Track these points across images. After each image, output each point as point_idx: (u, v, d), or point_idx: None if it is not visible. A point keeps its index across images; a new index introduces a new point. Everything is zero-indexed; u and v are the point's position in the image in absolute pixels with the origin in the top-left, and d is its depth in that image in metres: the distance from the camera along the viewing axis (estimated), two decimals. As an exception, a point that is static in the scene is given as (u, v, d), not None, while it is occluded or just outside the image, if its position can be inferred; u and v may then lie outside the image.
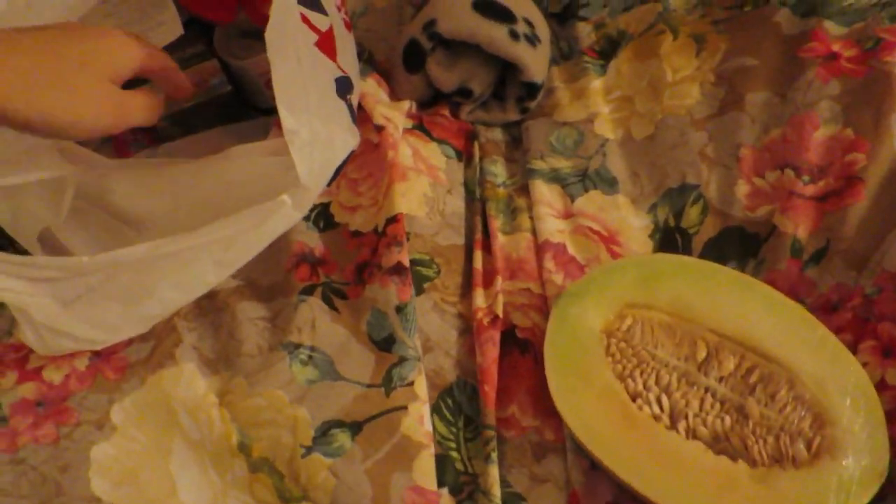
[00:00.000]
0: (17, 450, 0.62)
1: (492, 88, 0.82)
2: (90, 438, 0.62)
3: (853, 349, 0.62)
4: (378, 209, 0.73)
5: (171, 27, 0.78)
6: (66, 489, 0.60)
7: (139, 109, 0.60)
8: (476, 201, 0.77)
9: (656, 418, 0.61)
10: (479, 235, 0.74)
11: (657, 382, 0.63)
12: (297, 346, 0.66)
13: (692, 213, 0.73)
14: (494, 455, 0.62)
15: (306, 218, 0.74)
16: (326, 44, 0.65)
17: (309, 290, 0.70)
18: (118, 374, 0.65)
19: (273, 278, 0.72)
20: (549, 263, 0.72)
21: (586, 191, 0.77)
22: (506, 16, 0.78)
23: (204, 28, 0.84)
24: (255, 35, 0.82)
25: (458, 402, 0.66)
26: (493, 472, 0.61)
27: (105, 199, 0.70)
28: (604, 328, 0.66)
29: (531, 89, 0.81)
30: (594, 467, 0.62)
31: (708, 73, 0.79)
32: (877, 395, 0.59)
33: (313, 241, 0.73)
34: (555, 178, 0.78)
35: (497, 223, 0.75)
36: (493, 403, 0.64)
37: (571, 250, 0.73)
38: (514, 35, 0.78)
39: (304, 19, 0.62)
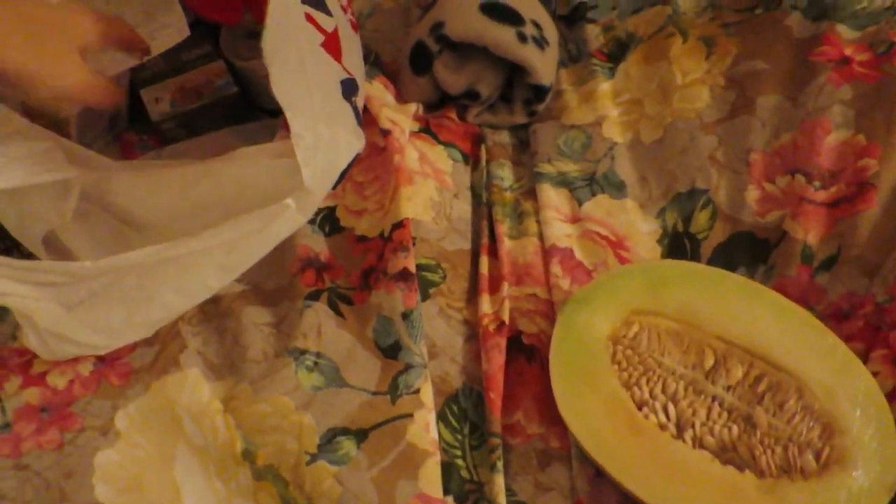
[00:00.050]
0: (21, 455, 0.61)
1: (499, 91, 0.82)
2: (94, 444, 0.62)
3: (864, 358, 0.61)
4: (384, 214, 0.73)
5: (177, 28, 0.77)
6: (69, 495, 0.60)
7: (100, 90, 0.62)
8: (482, 205, 0.77)
9: (662, 427, 0.61)
10: (485, 240, 0.74)
11: (664, 391, 0.62)
12: (303, 352, 0.66)
13: (701, 218, 0.73)
14: (500, 463, 0.62)
15: (312, 222, 0.74)
16: (332, 45, 0.64)
17: (315, 296, 0.70)
18: (122, 380, 0.65)
19: (278, 282, 0.72)
20: (555, 268, 0.71)
21: (594, 195, 0.76)
22: (514, 18, 0.78)
23: (210, 29, 0.84)
24: (261, 36, 0.81)
25: (464, 409, 0.65)
26: (499, 480, 0.61)
27: (109, 201, 0.70)
28: (610, 335, 0.65)
29: (539, 92, 0.80)
30: (599, 476, 0.61)
31: (718, 76, 0.78)
32: (888, 405, 0.58)
33: (319, 246, 0.73)
34: (562, 181, 0.77)
35: (503, 228, 0.75)
36: (499, 411, 0.64)
37: (579, 255, 0.73)
38: (522, 37, 0.77)
39: (310, 19, 0.61)
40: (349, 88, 0.66)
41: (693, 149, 0.75)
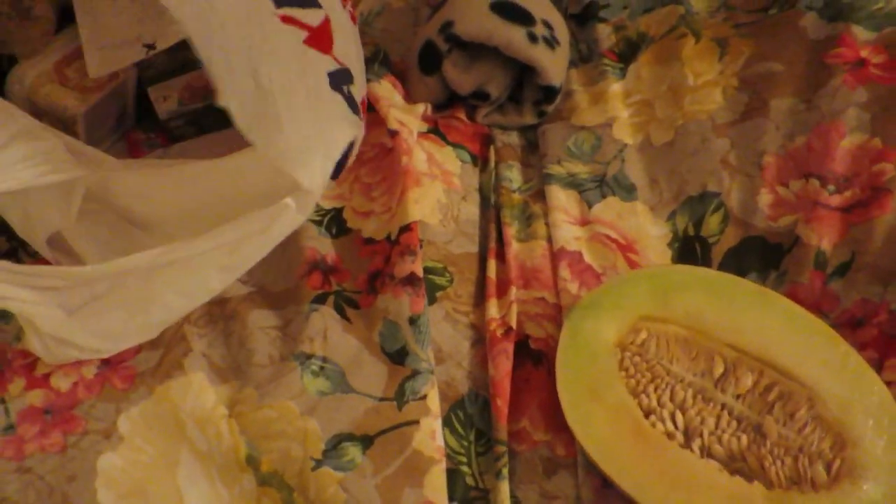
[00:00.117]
0: (24, 458, 0.61)
1: (509, 91, 0.81)
2: (97, 448, 0.61)
3: (878, 368, 0.60)
4: (391, 216, 0.72)
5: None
6: (72, 500, 0.59)
7: None
8: (491, 208, 0.76)
9: (670, 436, 0.60)
10: (493, 244, 0.73)
11: (672, 398, 0.61)
12: (309, 356, 0.65)
13: (712, 222, 0.72)
14: (505, 471, 0.61)
15: (318, 223, 0.73)
16: (319, 38, 0.64)
17: (321, 299, 0.69)
18: (126, 384, 0.65)
19: (285, 285, 0.71)
20: (564, 272, 0.71)
21: (604, 197, 0.75)
22: (524, 18, 0.77)
23: (217, 28, 0.83)
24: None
25: (470, 415, 0.65)
26: (504, 488, 0.60)
27: (114, 200, 0.69)
28: (617, 341, 0.64)
29: (549, 93, 0.79)
30: (606, 485, 0.60)
31: (731, 77, 0.77)
32: (901, 416, 0.57)
33: (325, 248, 0.72)
34: (571, 183, 0.76)
35: (512, 230, 0.74)
36: (506, 418, 0.63)
37: (588, 258, 0.72)
38: (533, 37, 0.76)
39: (289, 20, 0.60)
40: (340, 78, 0.65)
41: (705, 151, 0.74)
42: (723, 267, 0.70)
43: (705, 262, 0.71)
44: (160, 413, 0.63)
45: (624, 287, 0.66)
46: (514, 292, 0.69)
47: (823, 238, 0.67)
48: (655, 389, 0.62)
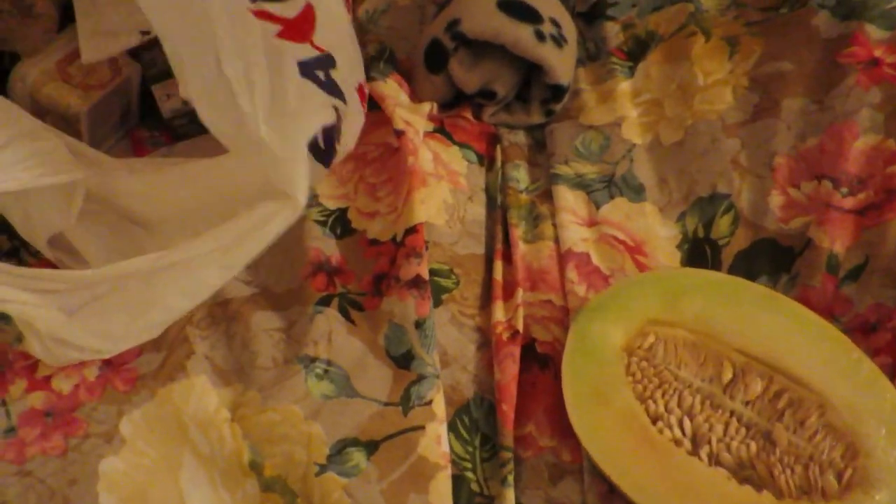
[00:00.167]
0: (24, 461, 0.61)
1: (516, 90, 0.80)
2: (99, 452, 0.61)
3: (891, 374, 0.59)
4: (397, 217, 0.71)
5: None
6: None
7: None
8: (497, 208, 0.75)
9: (677, 443, 0.59)
10: (499, 245, 0.72)
11: (679, 404, 0.61)
12: (313, 359, 0.65)
13: (722, 224, 0.71)
14: (511, 478, 0.60)
15: (323, 224, 0.73)
16: (295, 28, 0.63)
17: (326, 301, 0.68)
18: (128, 386, 0.64)
19: (288, 286, 0.70)
20: (571, 274, 0.70)
21: (612, 198, 0.74)
22: (532, 16, 0.76)
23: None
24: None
25: (475, 420, 0.64)
26: (510, 495, 0.59)
27: (115, 201, 0.69)
28: (624, 346, 0.63)
29: (556, 91, 0.78)
30: (612, 492, 0.60)
31: (741, 77, 0.76)
32: (915, 425, 0.56)
33: (330, 249, 0.72)
34: (579, 183, 0.75)
35: (518, 231, 0.73)
36: (512, 423, 0.62)
37: (595, 260, 0.71)
38: (540, 36, 0.75)
39: (262, 14, 0.60)
40: (315, 65, 0.64)
41: (715, 152, 0.73)
42: (733, 269, 0.69)
43: (715, 264, 0.70)
44: (162, 416, 0.62)
45: (631, 290, 0.66)
46: (520, 295, 0.68)
47: (836, 241, 0.66)
48: (663, 395, 0.61)
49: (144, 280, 0.58)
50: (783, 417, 0.59)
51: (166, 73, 0.82)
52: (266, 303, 0.69)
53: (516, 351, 0.65)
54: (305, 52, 0.64)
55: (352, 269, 0.71)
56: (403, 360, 0.65)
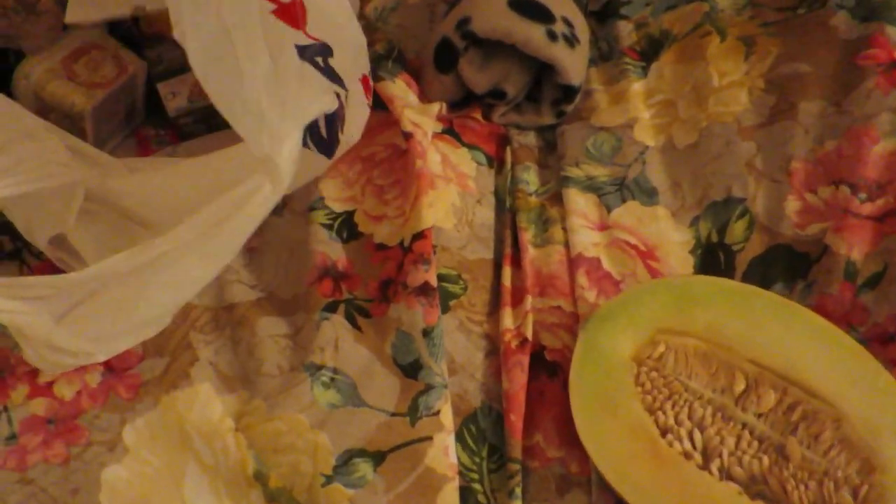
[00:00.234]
0: (26, 469, 0.60)
1: (526, 90, 0.79)
2: (101, 460, 0.60)
3: (909, 387, 0.58)
4: (405, 221, 0.70)
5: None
6: (75, 513, 0.58)
7: None
8: (506, 211, 0.74)
9: (687, 456, 0.58)
10: (508, 250, 0.71)
11: (690, 416, 0.60)
12: (320, 367, 0.64)
13: (737, 229, 0.70)
14: (519, 490, 0.59)
15: (329, 227, 0.72)
16: (288, 13, 0.62)
17: (332, 307, 0.67)
18: (131, 393, 0.63)
19: (294, 290, 0.70)
20: (581, 279, 0.69)
21: (624, 201, 0.73)
22: (544, 15, 0.75)
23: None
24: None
25: (483, 430, 0.63)
26: (517, 507, 0.59)
27: (115, 201, 0.68)
28: (634, 355, 0.62)
29: (568, 92, 0.77)
30: (621, 506, 0.59)
31: (757, 78, 0.74)
32: (934, 440, 0.55)
33: (336, 253, 0.71)
34: (590, 186, 0.74)
35: (528, 235, 0.72)
36: (520, 434, 0.61)
37: (606, 265, 0.70)
38: (552, 35, 0.74)
39: None
40: (312, 51, 0.64)
41: (729, 155, 0.72)
42: (747, 276, 0.68)
43: (729, 270, 0.68)
44: (166, 424, 0.62)
45: (642, 298, 0.64)
46: (529, 301, 0.67)
47: (854, 248, 0.65)
48: (673, 406, 0.60)
49: (126, 278, 0.57)
50: (797, 431, 0.58)
51: (172, 71, 0.81)
52: (272, 307, 0.69)
53: (525, 359, 0.64)
54: (300, 38, 0.63)
55: (358, 274, 0.70)
56: (411, 369, 0.64)
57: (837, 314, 0.63)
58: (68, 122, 0.75)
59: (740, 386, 0.60)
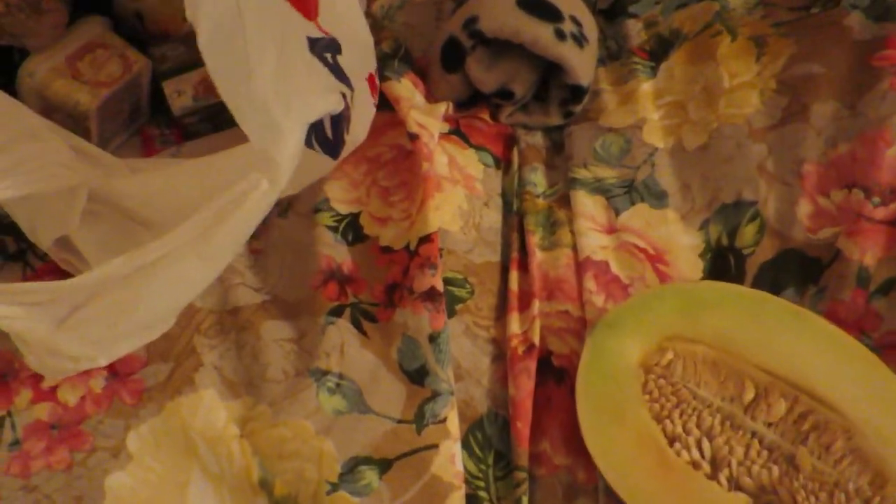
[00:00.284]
0: (30, 476, 0.60)
1: (534, 90, 0.78)
2: (105, 467, 0.60)
3: (923, 398, 0.57)
4: (411, 224, 0.70)
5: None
6: (79, 520, 0.58)
7: None
8: (513, 214, 0.73)
9: (695, 465, 0.57)
10: (515, 253, 0.70)
11: (698, 425, 0.59)
12: (325, 372, 0.63)
13: (747, 233, 0.69)
14: (525, 498, 0.59)
15: (334, 230, 0.71)
16: (303, 1, 0.62)
17: (337, 311, 0.67)
18: (135, 399, 0.63)
19: (299, 294, 0.69)
20: (589, 283, 0.68)
21: (632, 204, 0.72)
22: (552, 14, 0.74)
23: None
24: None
25: (489, 437, 0.62)
26: (524, 516, 0.58)
27: (118, 202, 0.68)
28: (641, 362, 0.62)
29: (576, 92, 0.76)
30: (628, 515, 0.58)
31: (769, 79, 0.73)
32: (947, 452, 0.54)
33: (341, 256, 0.70)
34: (598, 188, 0.73)
35: (535, 238, 0.71)
36: (527, 442, 0.61)
37: (615, 269, 0.69)
38: (561, 34, 0.73)
39: None
40: (322, 46, 0.63)
41: (740, 157, 0.71)
42: (758, 280, 0.67)
43: (739, 274, 0.68)
44: (170, 430, 0.61)
45: (650, 304, 0.64)
46: (536, 306, 0.66)
47: (867, 253, 0.64)
48: (681, 415, 0.59)
49: (124, 282, 0.57)
50: (808, 441, 0.57)
51: (177, 70, 0.81)
52: (277, 311, 0.68)
53: (532, 366, 0.63)
54: (312, 30, 0.62)
55: (364, 277, 0.70)
56: (417, 376, 0.63)
57: (849, 321, 0.62)
58: (72, 121, 0.75)
59: (750, 394, 0.59)
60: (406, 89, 0.76)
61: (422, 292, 0.65)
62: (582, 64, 0.74)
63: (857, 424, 0.56)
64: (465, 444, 0.62)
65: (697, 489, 0.56)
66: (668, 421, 0.59)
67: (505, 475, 0.61)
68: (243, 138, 0.79)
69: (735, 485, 0.56)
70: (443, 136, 0.75)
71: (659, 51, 0.80)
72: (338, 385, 0.63)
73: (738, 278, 0.67)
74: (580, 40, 0.74)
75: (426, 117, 0.73)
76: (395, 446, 0.61)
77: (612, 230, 0.71)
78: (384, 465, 0.60)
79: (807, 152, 0.69)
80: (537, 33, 0.73)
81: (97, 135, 0.77)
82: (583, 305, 0.67)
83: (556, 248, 0.71)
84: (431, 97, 0.79)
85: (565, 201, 0.73)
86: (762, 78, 0.74)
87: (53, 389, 0.63)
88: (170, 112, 0.80)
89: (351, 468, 0.60)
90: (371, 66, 0.71)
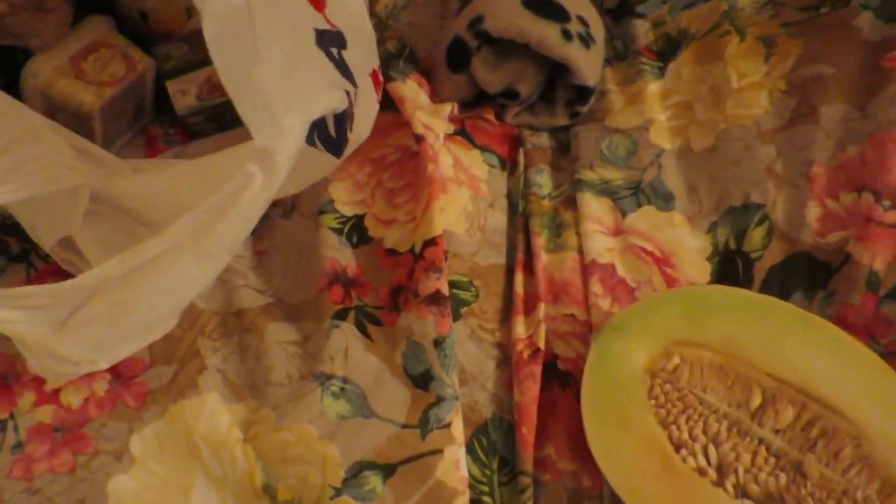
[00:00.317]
0: (32, 478, 0.60)
1: (540, 90, 0.77)
2: (107, 470, 0.60)
3: (932, 404, 0.57)
4: (416, 226, 0.69)
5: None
6: (82, 523, 0.58)
7: None
8: (519, 215, 0.72)
9: (701, 472, 0.57)
10: (520, 255, 0.70)
11: (704, 431, 0.58)
12: (329, 376, 0.63)
13: (756, 236, 0.68)
14: (530, 504, 0.58)
15: (339, 232, 0.71)
16: None
17: (342, 314, 0.66)
18: (138, 402, 0.63)
19: (304, 296, 0.69)
20: (595, 286, 0.67)
21: (639, 206, 0.72)
22: (558, 14, 0.73)
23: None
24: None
25: (493, 442, 0.62)
26: (528, 522, 0.58)
27: (120, 202, 0.67)
28: (647, 367, 0.61)
29: (582, 93, 0.75)
30: (635, 522, 0.58)
31: (778, 80, 0.72)
32: (957, 460, 0.54)
33: (346, 259, 0.70)
34: (605, 190, 0.72)
35: (541, 240, 0.70)
36: (531, 447, 0.60)
37: (621, 272, 0.69)
38: (567, 35, 0.72)
39: None
40: (329, 40, 0.62)
41: (748, 159, 0.70)
42: (766, 284, 0.66)
43: (747, 278, 0.67)
44: (173, 434, 0.61)
45: (656, 308, 0.63)
46: (542, 309, 0.66)
47: (876, 257, 0.63)
48: (687, 421, 0.59)
49: (121, 282, 0.56)
50: (815, 448, 0.56)
51: (181, 69, 0.80)
52: (281, 314, 0.68)
53: (537, 370, 0.63)
54: (320, 21, 0.61)
55: (368, 280, 0.69)
56: (422, 380, 0.63)
57: (859, 326, 0.62)
58: (76, 121, 0.75)
59: (757, 400, 0.59)
60: (411, 90, 0.75)
61: (427, 296, 0.64)
62: (588, 64, 0.74)
63: (866, 431, 0.56)
64: (470, 449, 0.61)
65: (703, 496, 0.56)
66: (674, 427, 0.59)
67: (509, 480, 0.60)
68: (248, 138, 0.79)
69: (742, 492, 0.56)
70: (448, 136, 0.75)
71: (666, 51, 0.79)
72: (342, 389, 0.63)
73: (745, 282, 0.67)
74: (587, 40, 0.73)
75: (431, 118, 0.73)
76: (399, 451, 0.60)
77: (618, 232, 0.71)
78: (388, 471, 0.60)
79: (816, 154, 0.68)
80: (543, 33, 0.72)
81: (101, 135, 0.77)
82: (588, 309, 0.67)
83: (561, 250, 0.70)
84: (436, 97, 0.78)
85: (571, 203, 0.73)
86: (771, 78, 0.73)
87: (56, 392, 0.63)
88: (174, 112, 0.79)
89: (355, 473, 0.59)
90: (374, 61, 0.70)
